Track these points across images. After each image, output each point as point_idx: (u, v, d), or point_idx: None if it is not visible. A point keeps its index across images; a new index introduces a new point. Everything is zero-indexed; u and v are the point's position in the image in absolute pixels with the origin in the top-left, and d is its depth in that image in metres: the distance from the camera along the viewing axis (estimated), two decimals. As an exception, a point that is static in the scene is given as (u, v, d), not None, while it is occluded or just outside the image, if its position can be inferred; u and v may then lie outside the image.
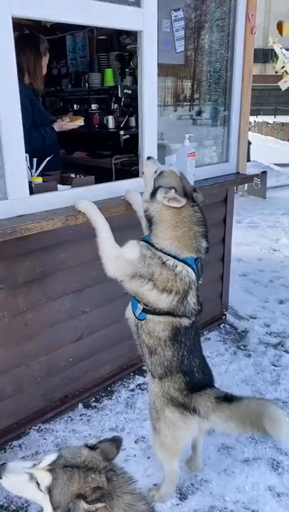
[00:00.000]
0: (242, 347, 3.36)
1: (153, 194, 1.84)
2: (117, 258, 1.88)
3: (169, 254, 1.82)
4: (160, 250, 1.83)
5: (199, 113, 3.23)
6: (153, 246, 1.85)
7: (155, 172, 1.90)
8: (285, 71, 14.54)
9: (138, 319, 1.92)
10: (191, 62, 2.97)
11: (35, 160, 2.22)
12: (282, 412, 1.80)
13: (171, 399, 1.88)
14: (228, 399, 1.83)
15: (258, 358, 3.21)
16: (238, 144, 3.09)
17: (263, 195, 8.17)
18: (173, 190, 1.77)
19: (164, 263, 1.81)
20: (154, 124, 2.45)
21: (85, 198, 2.14)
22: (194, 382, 1.88)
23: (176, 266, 1.82)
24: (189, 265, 1.84)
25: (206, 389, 1.87)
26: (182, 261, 1.82)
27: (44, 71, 3.07)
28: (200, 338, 2.02)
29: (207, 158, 3.08)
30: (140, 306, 1.89)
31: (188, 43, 2.76)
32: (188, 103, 3.16)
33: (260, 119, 19.37)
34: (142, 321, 1.91)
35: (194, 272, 1.86)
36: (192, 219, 1.84)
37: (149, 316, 1.88)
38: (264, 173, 8.15)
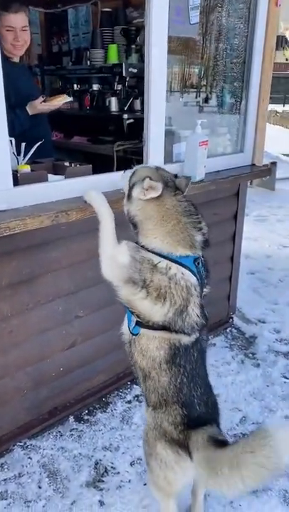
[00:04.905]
0: (250, 355, 3.10)
1: (129, 195, 1.63)
2: (112, 259, 1.62)
3: (160, 255, 1.55)
4: (150, 251, 1.56)
5: (207, 99, 2.91)
6: (143, 247, 1.58)
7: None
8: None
9: (132, 334, 1.63)
10: (203, 38, 2.63)
11: (23, 145, 1.91)
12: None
13: (164, 433, 1.59)
14: (221, 443, 1.49)
15: (267, 368, 2.95)
16: (255, 132, 2.76)
17: (272, 186, 7.85)
18: (147, 179, 1.55)
19: (155, 266, 1.53)
20: (162, 106, 2.13)
21: (83, 189, 1.85)
22: (193, 416, 1.57)
23: (169, 268, 1.53)
24: (186, 267, 1.55)
25: (206, 425, 1.55)
26: (177, 262, 1.54)
27: (14, 35, 2.48)
28: (205, 360, 1.69)
29: (220, 148, 2.76)
30: (134, 319, 1.61)
31: (202, 14, 2.42)
32: (200, 85, 2.83)
33: (269, 107, 18.86)
34: (136, 337, 1.62)
35: (194, 275, 1.57)
36: (178, 209, 1.59)
37: (142, 331, 1.59)
38: (273, 163, 7.81)
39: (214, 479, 1.44)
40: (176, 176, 1.70)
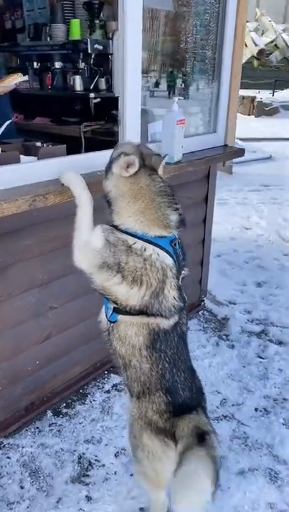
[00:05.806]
0: (224, 337, 3.11)
1: (108, 169, 1.57)
2: (85, 245, 1.55)
3: (135, 236, 1.50)
4: (125, 232, 1.51)
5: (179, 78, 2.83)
6: (117, 228, 1.53)
7: None
8: (275, 45, 14.34)
9: (109, 321, 1.57)
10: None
11: (-9, 123, 1.76)
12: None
13: (150, 423, 1.54)
14: (202, 437, 1.48)
15: (242, 349, 2.97)
16: (227, 111, 2.72)
17: (229, 170, 7.94)
18: (123, 155, 1.50)
19: (130, 247, 1.48)
20: (137, 83, 2.03)
21: (59, 171, 1.73)
22: (178, 402, 1.54)
23: (144, 249, 1.48)
24: (162, 248, 1.51)
25: (192, 413, 1.52)
26: (152, 243, 1.50)
27: None
28: (187, 344, 1.65)
29: (192, 128, 2.69)
30: (111, 306, 1.55)
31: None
32: (171, 62, 2.73)
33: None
34: (114, 325, 1.56)
35: (171, 256, 1.52)
36: (152, 189, 1.54)
37: (120, 318, 1.54)
38: (231, 147, 7.92)
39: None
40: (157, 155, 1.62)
